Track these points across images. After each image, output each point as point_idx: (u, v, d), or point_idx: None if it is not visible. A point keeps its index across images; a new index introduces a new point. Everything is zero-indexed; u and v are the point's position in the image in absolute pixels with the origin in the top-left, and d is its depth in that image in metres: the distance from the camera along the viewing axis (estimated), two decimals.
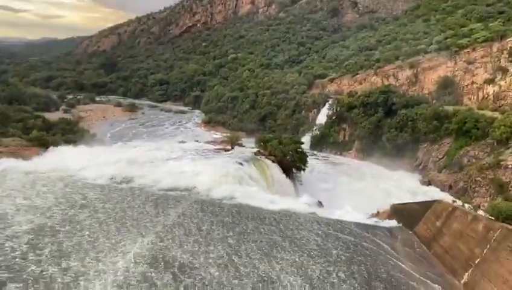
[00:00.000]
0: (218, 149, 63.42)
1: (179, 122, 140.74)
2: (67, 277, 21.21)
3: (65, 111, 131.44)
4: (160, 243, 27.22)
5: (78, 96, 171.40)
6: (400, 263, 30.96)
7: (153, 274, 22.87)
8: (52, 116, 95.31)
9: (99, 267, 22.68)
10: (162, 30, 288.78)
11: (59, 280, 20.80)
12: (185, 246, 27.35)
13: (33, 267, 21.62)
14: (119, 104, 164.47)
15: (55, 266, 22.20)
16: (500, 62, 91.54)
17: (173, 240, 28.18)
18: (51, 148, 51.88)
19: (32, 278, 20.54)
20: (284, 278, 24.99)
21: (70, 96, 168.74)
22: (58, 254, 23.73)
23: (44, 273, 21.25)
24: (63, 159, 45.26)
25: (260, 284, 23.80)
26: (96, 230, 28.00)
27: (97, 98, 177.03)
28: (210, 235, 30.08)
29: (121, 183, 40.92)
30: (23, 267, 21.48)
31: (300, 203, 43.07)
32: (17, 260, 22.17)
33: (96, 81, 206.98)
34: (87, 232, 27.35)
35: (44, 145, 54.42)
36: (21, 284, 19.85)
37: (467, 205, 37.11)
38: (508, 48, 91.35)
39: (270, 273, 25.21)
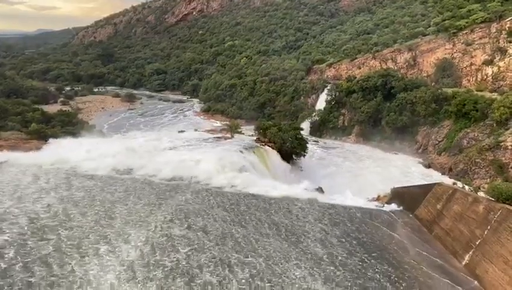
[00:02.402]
0: (218, 137, 63.44)
1: (178, 111, 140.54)
2: None
3: (63, 103, 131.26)
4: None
5: (76, 88, 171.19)
6: (402, 247, 31.20)
7: None
8: (51, 108, 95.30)
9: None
10: (158, 19, 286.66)
11: None
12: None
13: None
14: (117, 95, 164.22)
15: None
16: (498, 43, 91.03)
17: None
18: (51, 140, 51.86)
19: None
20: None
21: (68, 88, 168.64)
22: None
23: None
24: (63, 152, 45.26)
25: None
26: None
27: (95, 89, 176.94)
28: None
29: (122, 174, 40.98)
30: None
31: (300, 189, 43.23)
32: None
33: (93, 72, 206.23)
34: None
35: (44, 138, 54.41)
36: None
37: (467, 187, 37.31)
38: (507, 28, 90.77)
39: None
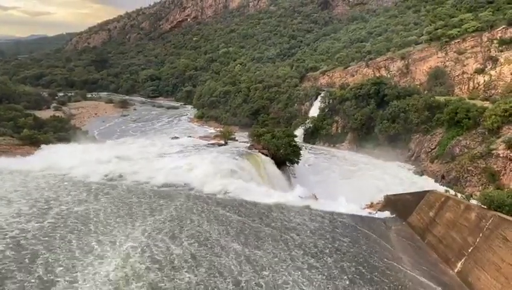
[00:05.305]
0: (211, 144, 63.30)
1: (172, 117, 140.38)
2: None
3: (56, 109, 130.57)
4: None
5: (69, 94, 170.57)
6: (394, 254, 31.19)
7: None
8: (43, 114, 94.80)
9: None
10: (152, 25, 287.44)
11: None
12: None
13: None
14: (110, 101, 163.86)
15: None
16: (490, 52, 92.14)
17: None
18: (43, 146, 51.41)
19: None
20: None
21: (61, 94, 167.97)
22: None
23: None
24: (55, 158, 44.81)
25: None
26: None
27: (88, 95, 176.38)
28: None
29: (114, 181, 40.61)
30: None
31: (294, 197, 43.12)
32: None
33: (87, 78, 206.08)
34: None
35: (36, 143, 53.96)
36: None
37: (459, 195, 37.47)
38: (498, 38, 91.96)
39: None
